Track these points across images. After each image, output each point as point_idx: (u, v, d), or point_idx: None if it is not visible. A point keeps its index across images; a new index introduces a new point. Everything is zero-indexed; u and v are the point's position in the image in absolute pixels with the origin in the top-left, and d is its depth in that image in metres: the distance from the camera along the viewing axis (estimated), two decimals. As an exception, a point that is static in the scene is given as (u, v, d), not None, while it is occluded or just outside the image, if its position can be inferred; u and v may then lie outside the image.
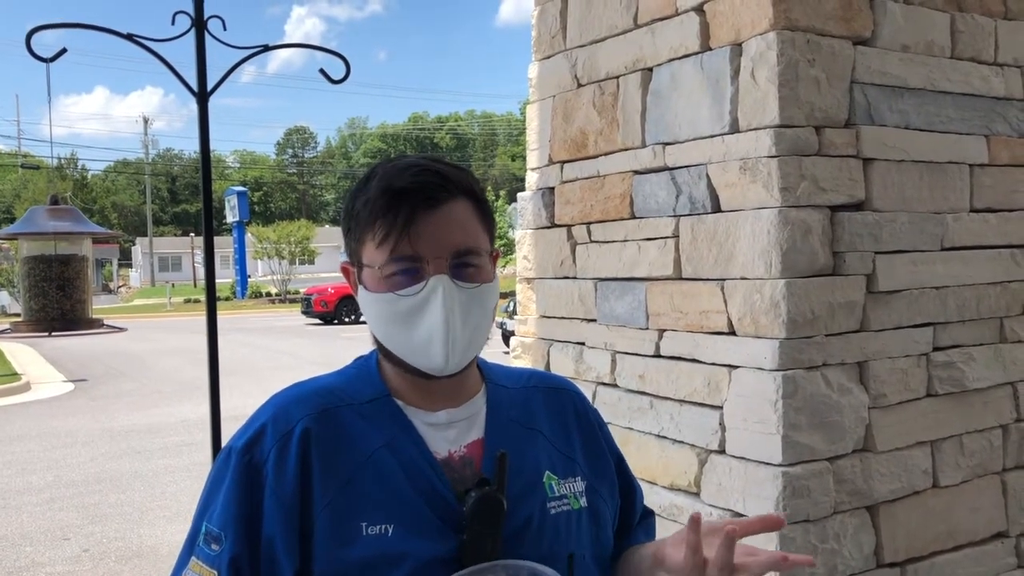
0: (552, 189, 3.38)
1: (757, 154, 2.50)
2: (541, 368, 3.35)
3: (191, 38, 3.21)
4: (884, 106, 2.66)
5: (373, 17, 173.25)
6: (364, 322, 1.25)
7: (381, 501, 1.15)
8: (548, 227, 3.41)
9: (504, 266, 24.21)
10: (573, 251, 3.27)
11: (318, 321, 26.67)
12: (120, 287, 54.35)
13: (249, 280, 42.39)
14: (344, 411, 1.21)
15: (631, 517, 1.43)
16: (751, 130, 2.54)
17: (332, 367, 1.34)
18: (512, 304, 14.14)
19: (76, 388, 14.07)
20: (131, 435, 10.05)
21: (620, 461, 1.41)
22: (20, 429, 10.64)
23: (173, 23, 3.15)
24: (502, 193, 36.72)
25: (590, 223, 3.17)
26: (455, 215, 1.18)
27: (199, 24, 3.19)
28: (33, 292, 7.04)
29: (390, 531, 1.13)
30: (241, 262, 41.34)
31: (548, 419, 1.32)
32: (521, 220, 3.61)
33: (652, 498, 2.72)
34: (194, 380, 13.94)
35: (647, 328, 2.91)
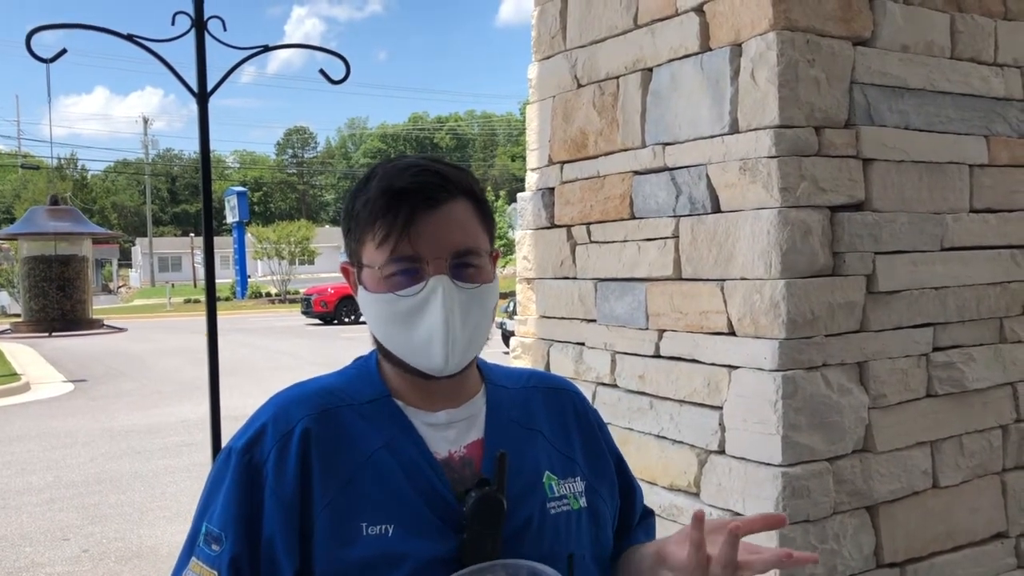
0: (552, 189, 3.39)
1: (757, 154, 2.50)
2: (541, 368, 3.35)
3: (191, 38, 3.21)
4: (884, 106, 2.67)
5: (373, 17, 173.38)
6: (364, 322, 1.25)
7: (381, 501, 1.15)
8: (548, 227, 3.41)
9: (504, 266, 24.20)
10: (573, 251, 3.27)
11: (318, 321, 26.67)
12: (120, 287, 54.34)
13: (249, 280, 42.39)
14: (344, 411, 1.21)
15: (631, 517, 1.43)
16: (751, 130, 2.54)
17: (332, 367, 1.34)
18: (512, 304, 14.14)
19: (76, 388, 14.07)
20: (131, 435, 10.05)
21: (620, 461, 1.41)
22: (20, 429, 10.64)
23: (173, 23, 3.15)
24: (502, 193, 36.72)
25: (590, 223, 3.17)
26: (455, 215, 1.18)
27: (199, 25, 3.19)
28: (33, 292, 7.02)
29: (390, 531, 1.13)
30: (241, 262, 41.34)
31: (548, 419, 1.32)
32: (521, 220, 3.61)
33: (652, 498, 2.72)
34: (194, 380, 13.94)
35: (647, 328, 2.91)
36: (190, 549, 1.17)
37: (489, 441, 1.23)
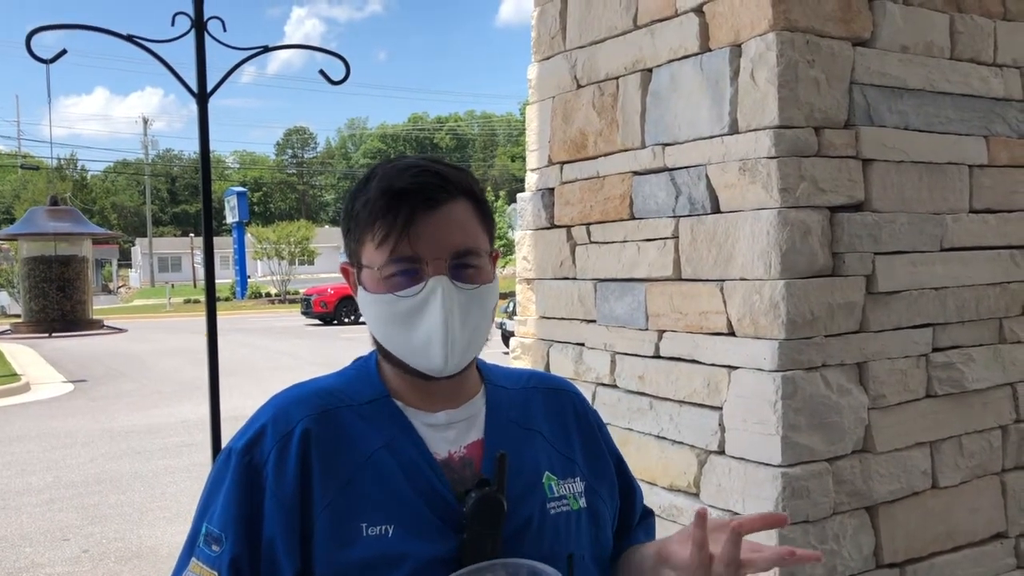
0: (552, 190, 3.39)
1: (756, 155, 2.50)
2: (541, 369, 3.35)
3: (191, 39, 3.21)
4: (883, 107, 2.67)
5: (373, 18, 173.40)
6: (364, 323, 1.25)
7: (381, 502, 1.15)
8: (548, 228, 3.41)
9: (504, 267, 24.21)
10: (573, 252, 3.27)
11: (318, 322, 26.67)
12: (120, 287, 54.35)
13: (249, 281, 42.40)
14: (344, 412, 1.21)
15: (631, 517, 1.43)
16: (750, 131, 2.54)
17: (332, 367, 1.34)
18: (512, 304, 14.14)
19: (76, 389, 14.07)
20: (131, 436, 10.05)
21: (619, 462, 1.41)
22: (20, 430, 10.64)
23: (173, 24, 3.15)
24: (502, 194, 36.72)
25: (590, 224, 3.17)
26: (455, 216, 1.18)
27: (199, 25, 3.19)
28: (33, 293, 7.03)
29: (390, 532, 1.13)
30: (241, 262, 41.35)
31: (547, 420, 1.32)
32: (521, 221, 3.61)
33: (652, 499, 2.72)
34: (194, 380, 13.94)
35: (647, 329, 2.91)
36: (190, 550, 1.17)
37: (489, 441, 1.23)
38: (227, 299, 38.04)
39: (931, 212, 2.76)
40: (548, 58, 3.42)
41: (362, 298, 1.22)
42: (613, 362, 3.05)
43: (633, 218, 2.97)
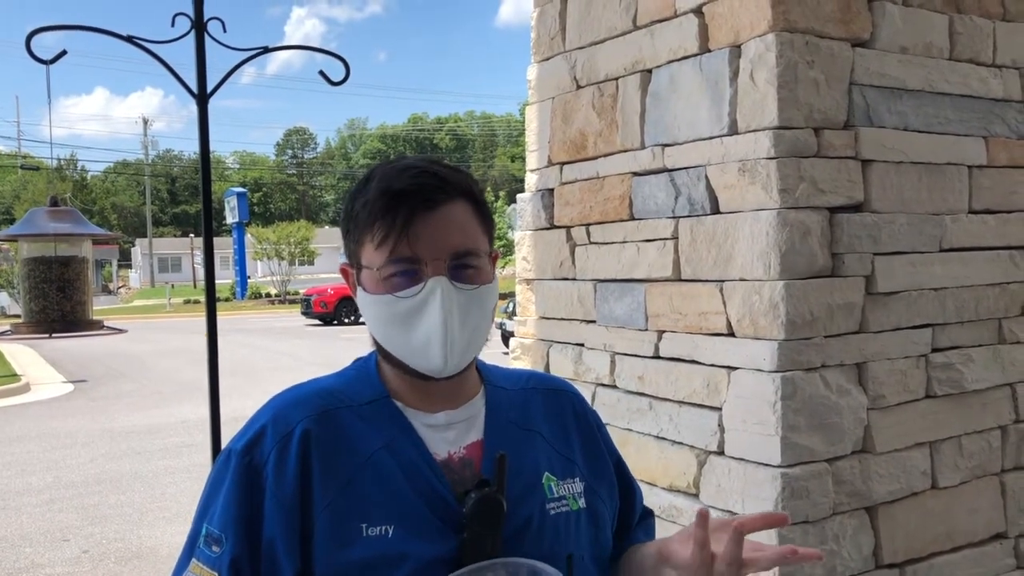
0: (551, 190, 3.39)
1: (756, 155, 2.51)
2: (540, 369, 3.35)
3: (191, 40, 3.21)
4: (883, 107, 2.67)
5: (373, 18, 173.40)
6: (363, 323, 1.25)
7: (381, 502, 1.15)
8: (547, 228, 3.42)
9: (504, 267, 24.21)
10: (572, 252, 3.27)
11: (318, 322, 26.67)
12: (120, 288, 54.35)
13: (249, 281, 42.40)
14: (344, 413, 1.21)
15: (630, 518, 1.43)
16: (750, 132, 2.54)
17: (332, 368, 1.34)
18: (512, 305, 14.14)
19: (76, 389, 14.07)
20: (131, 436, 10.05)
21: (619, 462, 1.42)
22: (20, 430, 10.64)
23: (173, 25, 3.15)
24: (502, 194, 36.73)
25: (589, 224, 3.17)
26: (454, 217, 1.18)
27: (199, 26, 3.20)
28: (33, 294, 7.03)
29: (390, 532, 1.13)
30: (241, 263, 41.36)
31: (547, 420, 1.32)
32: (520, 221, 3.62)
33: (651, 499, 2.72)
34: (194, 381, 13.94)
35: (646, 329, 2.91)
36: (190, 550, 1.18)
37: (488, 442, 1.23)
38: (227, 299, 38.06)
39: (930, 213, 2.76)
40: (548, 59, 3.43)
41: (361, 299, 1.22)
42: (613, 362, 3.05)
43: (633, 219, 2.97)
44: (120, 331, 8.06)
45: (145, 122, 68.33)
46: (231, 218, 40.34)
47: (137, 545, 6.25)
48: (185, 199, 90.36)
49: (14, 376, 14.94)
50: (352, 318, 25.45)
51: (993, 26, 2.93)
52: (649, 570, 1.29)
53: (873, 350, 2.62)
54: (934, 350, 2.76)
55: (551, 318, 3.40)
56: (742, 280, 2.56)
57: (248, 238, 40.48)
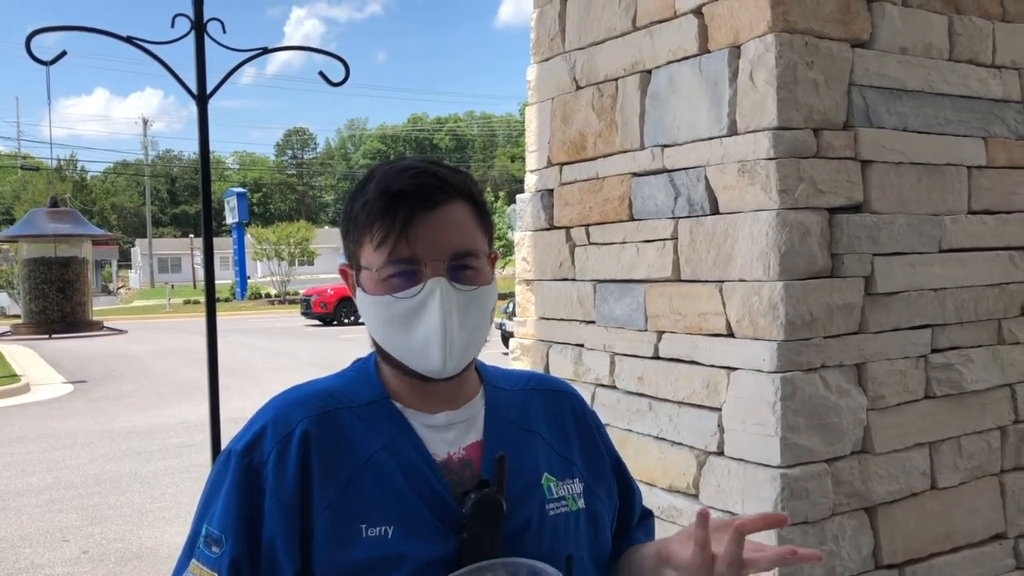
0: (551, 191, 3.39)
1: (755, 156, 2.51)
2: (540, 370, 3.35)
3: (191, 40, 3.21)
4: (882, 108, 2.67)
5: (372, 18, 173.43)
6: (363, 323, 1.25)
7: (381, 503, 1.15)
8: (547, 229, 3.42)
9: (504, 267, 24.20)
10: (572, 253, 3.27)
11: (317, 322, 26.67)
12: (119, 288, 54.35)
13: (249, 281, 42.40)
14: (343, 413, 1.21)
15: (630, 518, 1.43)
16: (749, 132, 2.54)
17: (331, 368, 1.34)
18: (512, 305, 14.14)
19: (76, 389, 14.07)
20: (131, 436, 10.05)
21: (618, 463, 1.42)
22: (20, 430, 10.64)
23: (173, 26, 3.16)
24: (501, 194, 36.70)
25: (589, 225, 3.17)
26: (453, 217, 1.18)
27: (198, 27, 3.20)
28: (33, 295, 7.04)
29: (390, 533, 1.13)
30: (241, 263, 41.36)
31: (546, 421, 1.32)
32: (520, 222, 3.62)
33: (651, 500, 2.72)
34: (194, 381, 13.94)
35: (646, 330, 2.91)
36: (190, 551, 1.18)
37: (488, 443, 1.23)
38: (227, 300, 38.06)
39: (930, 213, 2.76)
40: (547, 59, 3.43)
41: (361, 300, 1.22)
42: (612, 363, 3.06)
43: (632, 219, 2.97)
44: (120, 332, 8.07)
45: (145, 122, 68.46)
46: (231, 218, 40.34)
47: (137, 545, 6.25)
48: (185, 199, 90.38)
49: (14, 377, 14.94)
50: (352, 318, 25.45)
51: (992, 27, 2.93)
52: (649, 570, 1.30)
53: (872, 351, 2.62)
54: (933, 351, 2.76)
55: (551, 319, 3.40)
56: (742, 281, 2.56)
57: (248, 238, 40.48)
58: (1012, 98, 2.98)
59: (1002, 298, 2.93)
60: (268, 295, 40.11)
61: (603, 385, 3.10)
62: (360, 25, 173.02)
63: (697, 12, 2.73)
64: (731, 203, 2.60)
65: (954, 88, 2.83)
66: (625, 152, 3.01)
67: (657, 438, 2.85)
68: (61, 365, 17.18)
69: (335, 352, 16.91)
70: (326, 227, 64.30)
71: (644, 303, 2.91)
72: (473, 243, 1.20)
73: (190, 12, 3.21)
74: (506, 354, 3.91)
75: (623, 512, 1.40)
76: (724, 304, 2.62)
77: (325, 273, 44.50)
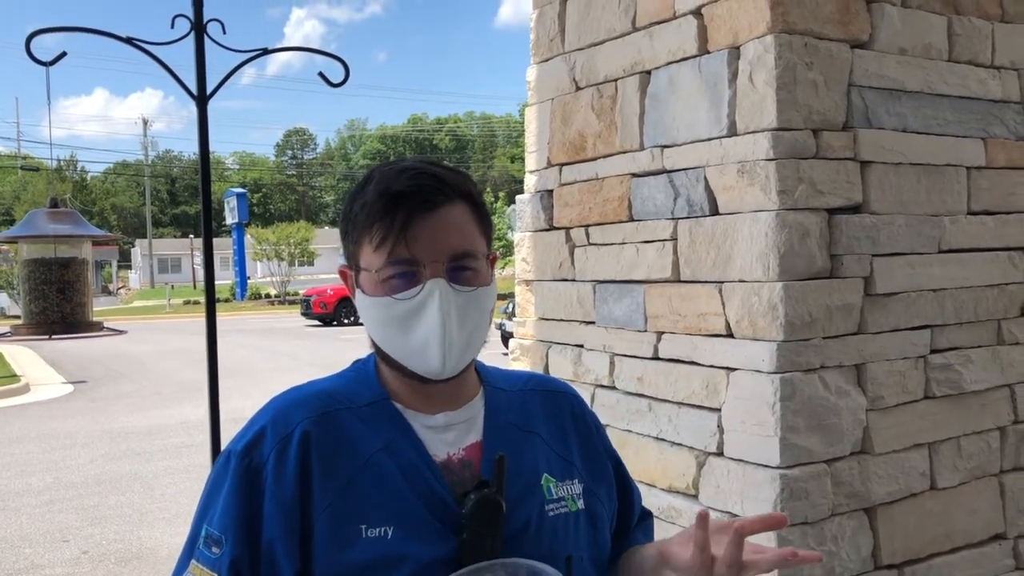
0: (551, 191, 3.39)
1: (755, 157, 2.51)
2: (540, 370, 3.35)
3: (190, 41, 3.22)
4: (882, 109, 2.67)
5: (372, 19, 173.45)
6: (363, 324, 1.25)
7: (380, 504, 1.15)
8: (547, 229, 3.42)
9: (503, 268, 24.20)
10: (572, 253, 3.28)
11: (317, 323, 26.67)
12: (119, 289, 54.37)
13: (248, 282, 42.40)
14: (343, 414, 1.21)
15: (629, 519, 1.43)
16: (749, 133, 2.54)
17: (331, 369, 1.34)
18: (511, 306, 14.14)
19: (75, 390, 14.06)
20: (130, 437, 10.05)
21: (617, 464, 1.42)
22: (19, 431, 10.64)
23: (172, 27, 3.16)
24: (501, 195, 36.68)
25: (588, 225, 3.18)
26: (452, 218, 1.18)
27: (198, 28, 3.20)
28: (33, 295, 7.06)
29: (389, 533, 1.13)
30: (240, 263, 41.36)
31: (546, 422, 1.32)
32: (520, 222, 3.62)
33: (650, 500, 2.72)
34: (194, 382, 13.94)
35: (645, 330, 2.91)
36: (190, 551, 1.18)
37: (488, 443, 1.24)
38: (227, 300, 38.06)
39: (929, 214, 2.76)
40: (547, 60, 3.43)
41: (360, 301, 1.22)
42: (612, 363, 3.06)
43: (632, 220, 2.98)
44: (120, 332, 8.09)
45: (145, 123, 68.52)
46: (231, 219, 40.34)
47: (137, 546, 6.25)
48: (185, 200, 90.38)
49: (14, 377, 14.93)
50: (351, 319, 25.46)
51: (992, 27, 2.93)
52: (648, 572, 1.30)
53: (872, 351, 2.62)
54: (933, 351, 2.76)
55: (550, 319, 3.40)
56: (741, 281, 2.56)
57: (248, 239, 40.47)
58: (1011, 99, 2.98)
59: (1001, 299, 2.94)
60: (268, 295, 40.11)
61: (603, 386, 3.10)
62: (360, 25, 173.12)
63: (696, 13, 2.74)
64: (730, 204, 2.60)
65: (953, 89, 2.83)
66: (625, 153, 3.01)
67: (657, 439, 2.85)
68: (61, 365, 17.16)
69: (335, 352, 16.91)
70: (326, 227, 64.31)
71: (644, 304, 2.91)
72: (472, 244, 1.20)
73: (190, 13, 3.21)
74: (506, 354, 3.91)
75: (622, 513, 1.41)
76: (724, 305, 2.62)
77: (325, 273, 44.49)
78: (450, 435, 1.23)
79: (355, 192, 1.22)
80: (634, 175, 2.96)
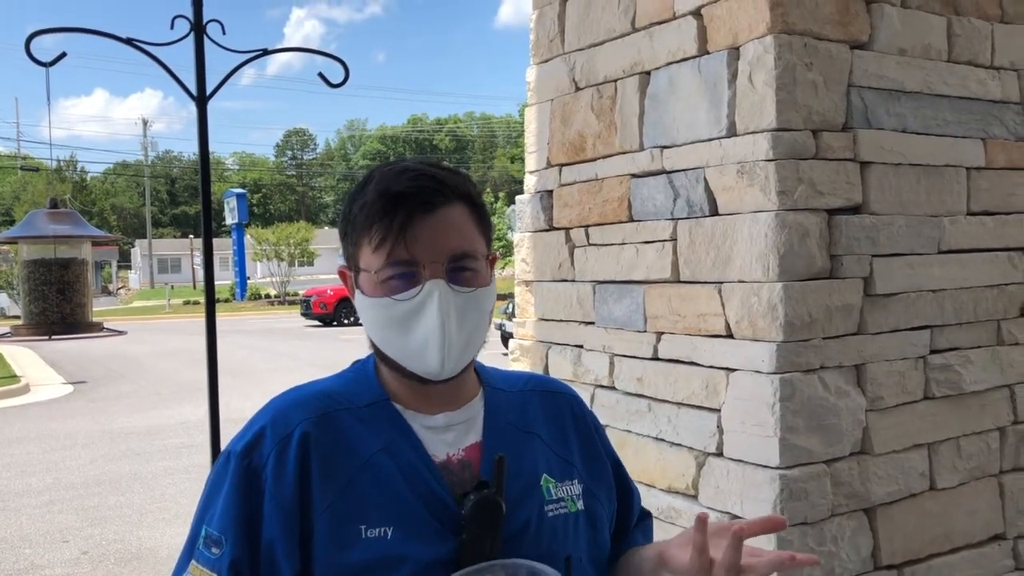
0: (550, 192, 3.39)
1: (755, 157, 2.51)
2: (539, 371, 3.35)
3: (190, 42, 3.22)
4: (881, 109, 2.67)
5: (372, 19, 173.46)
6: (362, 324, 1.26)
7: (380, 504, 1.15)
8: (546, 230, 3.42)
9: (503, 268, 24.21)
10: (571, 254, 3.28)
11: (317, 323, 26.68)
12: (119, 289, 54.37)
13: (248, 282, 42.40)
14: (343, 415, 1.21)
15: (628, 520, 1.44)
16: (748, 133, 2.54)
17: (331, 369, 1.34)
18: (511, 306, 14.14)
19: (75, 390, 14.07)
20: (130, 437, 10.05)
21: (617, 464, 1.42)
22: (19, 431, 10.64)
23: (172, 27, 3.16)
24: (501, 195, 36.68)
25: (588, 226, 3.18)
26: (451, 219, 1.18)
27: (198, 29, 3.20)
28: (33, 296, 7.05)
29: (389, 534, 1.14)
30: (240, 264, 41.36)
31: (545, 423, 1.32)
32: (519, 223, 3.62)
33: (650, 501, 2.72)
34: (193, 382, 13.94)
35: (645, 331, 2.91)
36: (189, 552, 1.18)
37: (487, 444, 1.24)
38: (227, 300, 38.07)
39: (929, 214, 2.76)
40: (547, 60, 3.43)
41: (359, 301, 1.23)
42: (612, 364, 3.06)
43: (631, 220, 2.98)
44: (120, 332, 8.08)
45: (144, 123, 68.53)
46: (231, 219, 40.34)
47: (137, 546, 6.25)
48: (185, 200, 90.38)
49: (14, 377, 14.94)
50: (351, 319, 25.46)
51: (991, 28, 2.93)
52: (647, 573, 1.30)
53: (871, 352, 2.62)
54: (932, 352, 2.77)
55: (550, 320, 3.40)
56: (741, 282, 2.56)
57: (247, 239, 40.47)
58: (1011, 99, 2.98)
59: (1001, 299, 2.94)
60: (268, 296, 40.10)
61: (602, 386, 3.11)
62: (360, 26, 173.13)
63: (696, 13, 2.74)
64: (730, 204, 2.61)
65: (953, 89, 2.83)
66: (624, 153, 3.01)
67: (656, 439, 2.85)
68: (61, 366, 17.18)
69: (335, 353, 16.91)
70: (326, 228, 64.27)
71: (643, 304, 2.91)
72: (471, 245, 1.20)
73: (190, 14, 3.21)
74: (506, 355, 3.91)
75: (621, 513, 1.41)
76: (723, 305, 2.62)
77: (325, 274, 44.50)
78: (450, 436, 1.23)
79: (355, 193, 1.22)
80: (634, 176, 2.96)
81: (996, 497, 2.92)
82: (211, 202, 3.41)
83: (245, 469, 1.17)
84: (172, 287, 46.11)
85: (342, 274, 1.28)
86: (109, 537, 6.45)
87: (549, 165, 3.40)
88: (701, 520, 1.12)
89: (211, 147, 3.43)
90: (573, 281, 3.27)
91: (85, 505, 7.29)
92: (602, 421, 1.47)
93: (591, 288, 3.16)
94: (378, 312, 1.19)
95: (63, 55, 3.36)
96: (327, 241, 48.76)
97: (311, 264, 41.86)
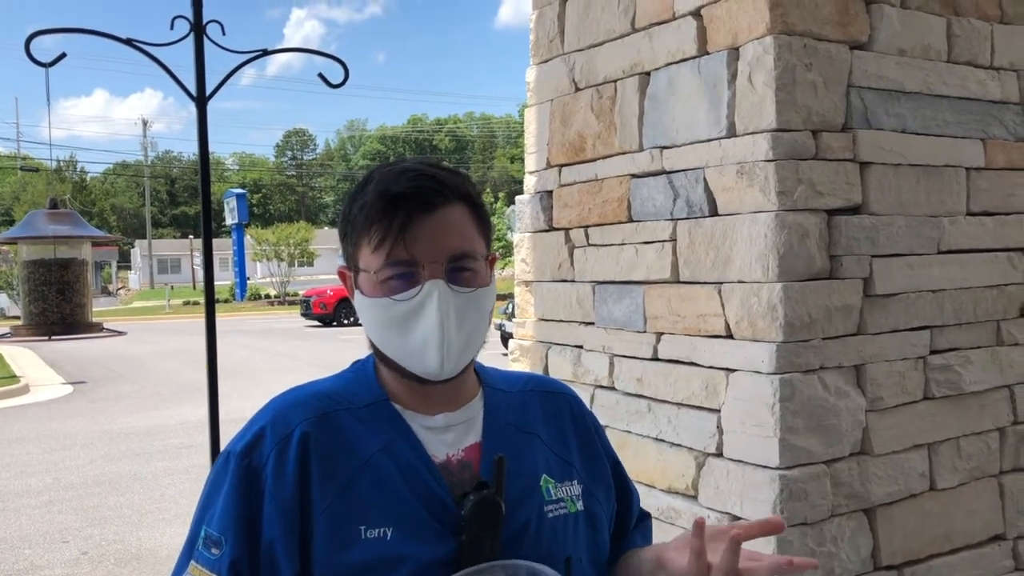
0: (550, 192, 3.39)
1: (754, 158, 2.51)
2: (539, 371, 3.35)
3: (190, 42, 3.22)
4: (881, 110, 2.67)
5: (372, 19, 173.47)
6: (362, 325, 1.26)
7: (380, 505, 1.15)
8: (546, 230, 3.42)
9: (503, 268, 24.21)
10: (571, 254, 3.28)
11: (317, 323, 26.67)
12: (119, 289, 54.36)
13: (248, 282, 42.40)
14: (342, 415, 1.21)
15: (628, 520, 1.43)
16: (748, 134, 2.54)
17: (331, 369, 1.34)
18: (511, 306, 14.14)
19: (75, 390, 14.05)
20: (130, 437, 10.05)
21: (616, 465, 1.42)
22: (19, 431, 10.64)
23: (172, 28, 3.16)
24: (501, 195, 36.67)
25: (588, 226, 3.18)
26: (451, 220, 1.18)
27: (198, 29, 3.20)
28: (33, 296, 7.06)
29: (389, 534, 1.13)
30: (240, 264, 41.36)
31: (545, 423, 1.32)
32: (519, 223, 3.62)
33: (650, 501, 2.72)
34: (193, 382, 13.93)
35: (645, 331, 2.91)
36: (189, 552, 1.18)
37: (487, 444, 1.24)
38: (226, 301, 38.06)
39: (928, 215, 2.76)
40: (546, 61, 3.43)
41: (359, 302, 1.23)
42: (611, 364, 3.06)
43: (631, 221, 2.98)
44: (120, 333, 8.08)
45: (144, 124, 68.60)
46: (230, 219, 40.33)
47: (136, 547, 6.25)
48: (184, 200, 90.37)
49: (13, 378, 14.92)
50: (351, 319, 25.46)
51: (991, 28, 2.93)
52: (646, 575, 1.30)
53: (871, 352, 2.62)
54: (932, 352, 2.77)
55: (550, 320, 3.40)
56: (740, 282, 2.56)
57: (247, 239, 40.46)
58: (1010, 100, 2.98)
59: (1001, 299, 2.94)
60: (268, 296, 40.09)
61: (602, 386, 3.11)
62: (360, 26, 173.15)
63: (696, 14, 2.74)
64: (730, 205, 2.61)
65: (952, 90, 2.83)
66: (624, 154, 3.01)
67: (656, 439, 2.85)
68: (60, 366, 17.17)
69: (335, 353, 16.90)
70: (325, 228, 64.25)
71: (643, 304, 2.91)
72: (471, 245, 1.20)
73: (189, 14, 3.21)
74: (505, 355, 3.91)
75: (621, 514, 1.41)
76: (723, 305, 2.62)
77: (324, 274, 44.46)
78: (449, 436, 1.23)
79: (354, 193, 1.22)
80: (633, 176, 2.96)
81: (996, 497, 2.92)
82: (211, 202, 3.42)
83: (245, 469, 1.17)
84: (172, 287, 46.10)
85: (342, 274, 1.28)
86: (109, 537, 6.45)
87: (549, 165, 3.40)
88: (699, 524, 1.12)
89: (211, 147, 3.43)
90: (573, 281, 3.27)
91: (85, 505, 7.28)
92: (602, 421, 1.48)
93: (591, 288, 3.16)
94: (378, 312, 1.19)
95: (63, 55, 3.36)
96: (327, 241, 48.74)
97: (311, 264, 41.84)
